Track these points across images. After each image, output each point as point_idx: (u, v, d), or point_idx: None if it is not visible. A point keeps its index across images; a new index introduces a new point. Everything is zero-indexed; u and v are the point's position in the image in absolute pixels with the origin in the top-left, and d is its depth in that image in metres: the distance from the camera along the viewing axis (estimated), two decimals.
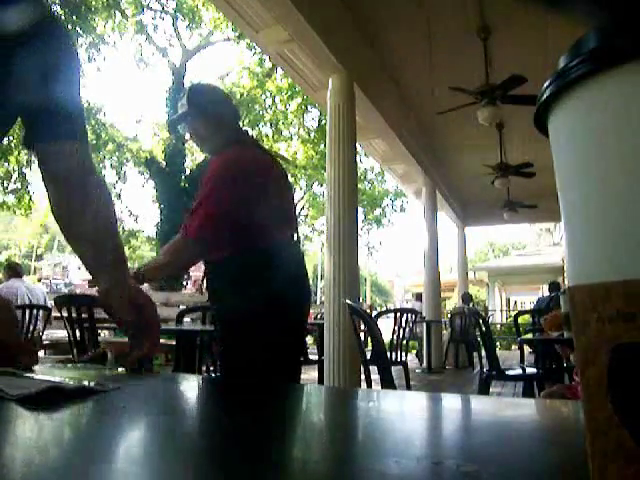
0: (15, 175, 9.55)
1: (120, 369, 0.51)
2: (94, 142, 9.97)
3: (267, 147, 11.59)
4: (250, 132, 1.77)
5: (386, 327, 4.95)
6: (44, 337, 4.99)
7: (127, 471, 0.26)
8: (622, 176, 0.14)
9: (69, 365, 1.35)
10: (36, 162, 0.82)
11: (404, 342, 4.27)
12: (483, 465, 0.27)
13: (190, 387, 0.59)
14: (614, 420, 0.14)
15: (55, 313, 3.77)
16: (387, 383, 1.93)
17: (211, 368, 3.18)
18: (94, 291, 0.84)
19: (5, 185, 9.63)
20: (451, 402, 0.55)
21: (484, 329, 3.37)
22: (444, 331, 7.63)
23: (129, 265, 0.89)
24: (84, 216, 0.79)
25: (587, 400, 0.15)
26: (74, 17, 8.59)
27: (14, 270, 4.96)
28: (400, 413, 0.46)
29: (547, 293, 6.47)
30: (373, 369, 2.20)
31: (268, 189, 1.47)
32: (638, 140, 0.13)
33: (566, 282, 0.17)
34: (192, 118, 1.54)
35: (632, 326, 0.14)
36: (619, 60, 0.14)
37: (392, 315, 4.40)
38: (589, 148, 0.15)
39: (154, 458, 0.29)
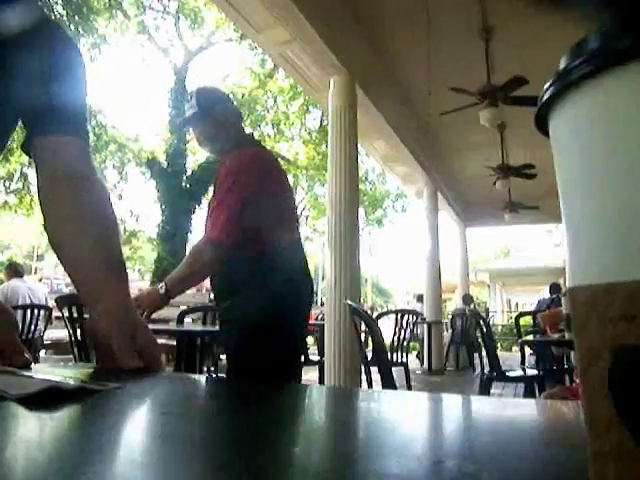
0: (17, 175, 9.57)
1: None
2: (95, 143, 9.97)
3: (268, 148, 11.58)
4: (251, 132, 1.80)
5: (387, 328, 4.94)
6: (45, 337, 4.99)
7: (129, 472, 0.26)
8: (623, 177, 0.14)
9: (70, 364, 1.36)
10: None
11: (405, 343, 4.27)
12: (484, 465, 0.27)
13: (191, 387, 0.59)
14: (615, 421, 0.14)
15: (56, 313, 3.77)
16: (388, 384, 1.93)
17: (212, 368, 3.18)
18: None
19: (7, 185, 9.64)
20: (451, 402, 0.55)
21: (485, 330, 3.37)
22: (445, 332, 7.62)
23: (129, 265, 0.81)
24: (81, 222, 0.70)
25: (587, 401, 0.15)
26: (76, 18, 8.60)
27: (15, 270, 4.97)
28: (401, 413, 0.46)
29: (548, 295, 6.46)
30: (374, 370, 2.19)
31: (276, 189, 1.49)
32: (639, 142, 0.13)
33: (567, 283, 0.17)
34: (201, 119, 1.58)
35: (633, 327, 0.14)
36: (621, 60, 0.14)
37: (393, 316, 4.40)
38: (590, 149, 0.15)
39: (156, 458, 0.29)
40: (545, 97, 0.16)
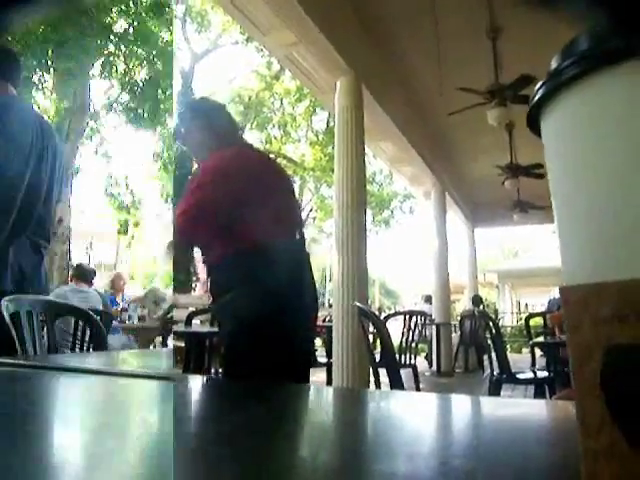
0: None
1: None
2: None
3: (275, 149, 11.53)
4: (242, 135, 1.79)
5: (395, 329, 4.92)
6: None
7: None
8: (613, 177, 0.14)
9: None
10: None
11: (413, 345, 4.25)
12: (490, 465, 0.27)
13: (197, 388, 0.59)
14: (606, 421, 0.14)
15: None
16: (396, 386, 1.92)
17: (220, 370, 3.20)
18: None
19: None
20: (460, 403, 0.55)
21: (494, 332, 3.34)
22: (453, 334, 7.58)
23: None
24: None
25: (580, 400, 0.15)
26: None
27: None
28: (409, 414, 0.46)
29: (558, 295, 6.39)
30: (382, 372, 2.18)
31: (261, 187, 1.46)
32: (629, 141, 0.13)
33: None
34: (184, 128, 1.58)
35: (626, 327, 0.14)
36: (612, 61, 0.14)
37: (401, 317, 4.38)
38: (580, 148, 0.15)
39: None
40: (536, 97, 0.16)
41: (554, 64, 0.16)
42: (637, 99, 0.13)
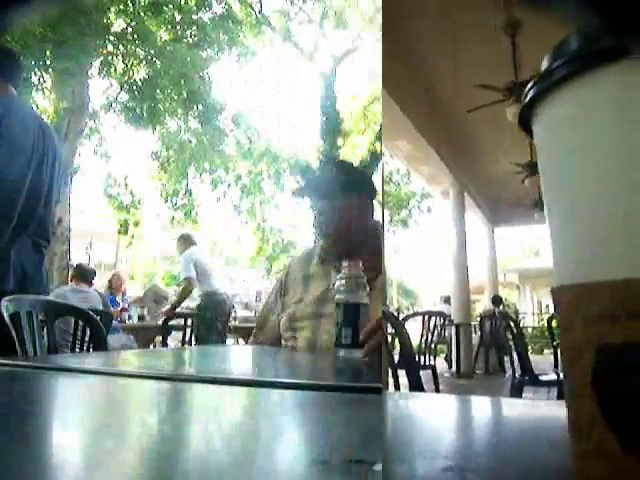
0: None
1: None
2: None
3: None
4: None
5: (414, 330, 4.88)
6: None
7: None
8: (604, 177, 0.14)
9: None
10: None
11: (432, 346, 4.20)
12: (509, 468, 0.27)
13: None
14: (597, 421, 0.14)
15: None
16: (415, 387, 1.90)
17: None
18: None
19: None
20: (480, 405, 0.54)
21: (515, 332, 3.27)
22: (474, 334, 7.47)
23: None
24: None
25: (571, 401, 0.15)
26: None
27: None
28: (429, 416, 0.46)
29: None
30: (401, 373, 2.17)
31: None
32: (619, 142, 0.13)
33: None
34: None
35: (618, 326, 0.13)
36: (601, 62, 0.14)
37: (420, 318, 4.34)
38: (571, 149, 0.15)
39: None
40: (528, 98, 0.16)
41: (545, 64, 0.16)
42: (627, 100, 0.13)
